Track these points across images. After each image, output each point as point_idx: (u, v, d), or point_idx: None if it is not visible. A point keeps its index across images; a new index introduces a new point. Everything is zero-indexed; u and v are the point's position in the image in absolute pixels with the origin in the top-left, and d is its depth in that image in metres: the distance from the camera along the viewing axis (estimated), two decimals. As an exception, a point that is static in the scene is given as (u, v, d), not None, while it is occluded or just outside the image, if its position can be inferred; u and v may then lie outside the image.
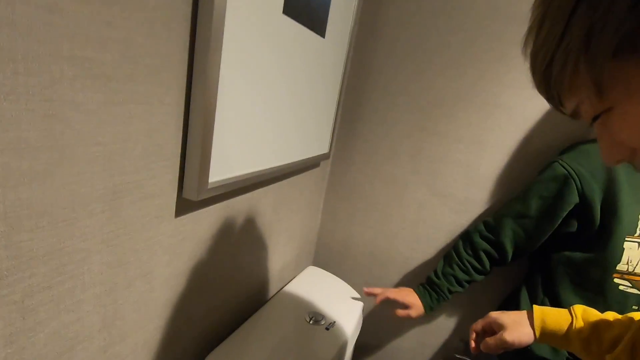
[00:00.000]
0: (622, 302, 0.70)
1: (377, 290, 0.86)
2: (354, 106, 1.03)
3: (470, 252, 0.84)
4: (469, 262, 0.84)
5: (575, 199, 0.71)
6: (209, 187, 0.52)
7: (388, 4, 0.94)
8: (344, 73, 0.92)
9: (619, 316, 0.53)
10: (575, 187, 0.71)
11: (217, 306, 0.69)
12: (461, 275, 0.84)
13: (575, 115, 0.31)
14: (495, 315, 0.61)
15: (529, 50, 0.30)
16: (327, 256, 1.16)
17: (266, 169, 0.66)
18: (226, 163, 0.55)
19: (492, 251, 0.82)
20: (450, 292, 0.86)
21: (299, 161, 0.80)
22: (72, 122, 0.34)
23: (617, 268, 0.69)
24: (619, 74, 0.25)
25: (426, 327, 1.05)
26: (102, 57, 0.35)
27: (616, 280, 0.69)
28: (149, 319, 0.52)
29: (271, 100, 0.62)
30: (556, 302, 0.76)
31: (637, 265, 0.68)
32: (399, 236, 1.05)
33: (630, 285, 0.69)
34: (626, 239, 0.68)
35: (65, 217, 0.36)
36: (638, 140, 0.28)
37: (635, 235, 0.67)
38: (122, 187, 0.41)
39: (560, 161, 0.74)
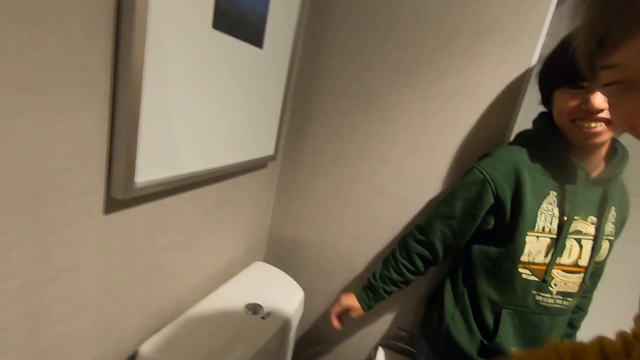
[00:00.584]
0: (525, 288, 0.79)
1: (333, 315, 0.97)
2: (301, 109, 1.09)
3: (405, 255, 0.92)
4: (403, 265, 0.91)
5: (491, 200, 0.80)
6: (137, 186, 0.56)
7: (332, 10, 1.00)
8: (289, 78, 0.97)
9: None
10: (490, 190, 0.79)
11: (154, 299, 0.73)
12: (396, 277, 0.92)
13: (611, 67, 0.28)
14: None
15: None
16: (278, 253, 1.21)
17: (200, 170, 0.71)
18: (156, 164, 0.59)
19: (426, 252, 0.89)
20: (386, 292, 0.93)
21: (239, 163, 0.85)
22: (-13, 128, 0.38)
23: (521, 259, 0.78)
24: None
25: (367, 318, 1.12)
26: (20, 71, 0.39)
27: (520, 270, 0.78)
28: (78, 309, 0.56)
29: (202, 108, 0.67)
30: (474, 291, 0.85)
31: (535, 256, 0.77)
32: (344, 233, 1.11)
33: (530, 273, 0.78)
34: (527, 233, 0.77)
35: (-17, 213, 0.40)
36: None
37: (534, 230, 0.77)
38: (44, 186, 0.45)
39: (478, 167, 0.82)
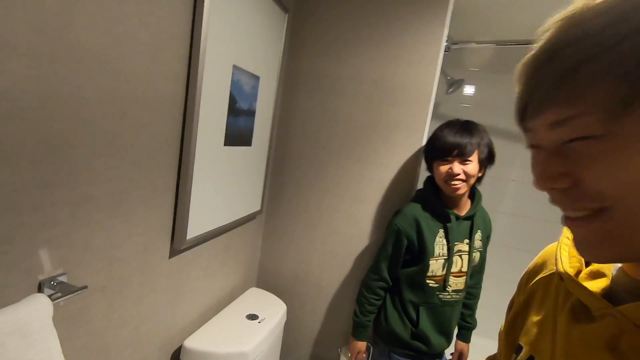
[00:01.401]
0: (431, 293, 1.24)
1: None
2: (278, 175, 1.56)
3: (370, 292, 1.32)
4: (372, 298, 1.32)
5: (405, 242, 1.26)
6: (187, 240, 1.00)
7: (298, 106, 1.50)
8: (268, 158, 1.45)
9: None
10: (404, 236, 1.26)
11: (189, 311, 1.14)
12: (369, 308, 1.32)
13: (554, 125, 0.31)
14: None
15: (547, 40, 0.31)
16: (266, 279, 1.64)
17: (216, 227, 1.16)
18: (195, 228, 1.04)
19: (382, 284, 1.31)
20: (368, 321, 1.33)
21: (239, 218, 1.30)
22: (95, 223, 0.82)
23: (428, 274, 1.24)
24: None
25: (334, 325, 1.54)
26: (142, 189, 0.84)
27: (427, 281, 1.24)
28: (154, 314, 0.97)
29: (219, 188, 1.13)
30: (401, 297, 1.29)
31: (436, 271, 1.23)
32: (312, 261, 1.55)
33: (434, 283, 1.24)
34: (430, 259, 1.23)
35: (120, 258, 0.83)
36: (612, 179, 0.29)
37: (434, 256, 1.23)
38: (147, 245, 0.89)
39: (394, 222, 1.29)
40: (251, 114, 1.25)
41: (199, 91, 0.92)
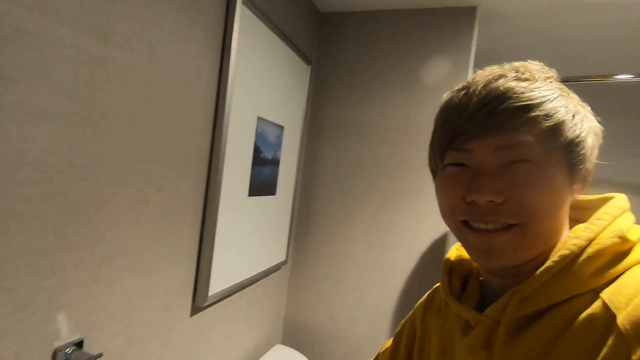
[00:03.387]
0: None
1: None
2: (303, 225, 1.52)
3: None
4: None
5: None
6: (209, 296, 0.96)
7: (323, 154, 1.49)
8: (293, 207, 1.43)
9: None
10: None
11: (211, 374, 1.07)
12: None
13: (499, 148, 0.39)
14: None
15: (512, 81, 0.40)
16: (292, 336, 1.54)
17: (239, 281, 1.11)
18: (217, 285, 1.00)
19: None
20: None
21: (262, 271, 1.25)
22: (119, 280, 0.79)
23: None
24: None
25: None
26: (166, 248, 0.82)
27: None
28: (174, 379, 0.91)
29: (243, 241, 1.09)
30: None
31: None
32: (340, 315, 1.45)
33: None
34: None
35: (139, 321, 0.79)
36: (538, 200, 0.38)
37: None
38: (169, 303, 0.85)
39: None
40: (276, 163, 1.25)
41: (223, 144, 0.93)
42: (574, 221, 0.44)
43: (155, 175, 0.77)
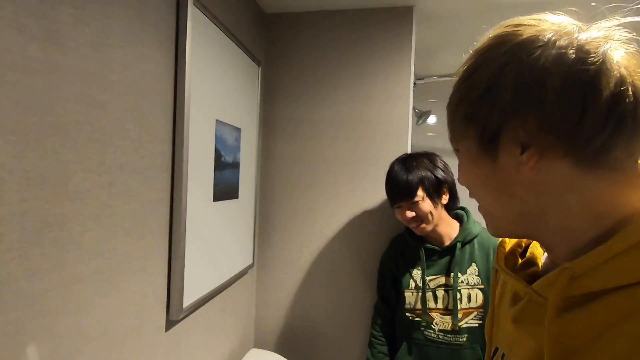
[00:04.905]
0: (413, 327, 1.19)
1: None
2: (266, 227, 1.52)
3: (377, 327, 1.30)
4: (380, 335, 1.29)
5: (388, 274, 1.29)
6: (184, 309, 0.92)
7: (279, 153, 1.50)
8: (255, 212, 1.42)
9: None
10: (387, 268, 1.29)
11: (190, 389, 1.03)
12: (380, 349, 1.28)
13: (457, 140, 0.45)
14: None
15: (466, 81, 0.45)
16: (265, 339, 1.53)
17: (209, 292, 1.08)
18: (188, 298, 0.96)
19: (387, 313, 1.30)
20: (384, 354, 1.27)
21: (232, 277, 1.23)
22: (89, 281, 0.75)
23: (405, 307, 1.20)
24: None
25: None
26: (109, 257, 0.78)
27: (407, 314, 1.20)
28: (154, 399, 0.87)
29: (211, 251, 1.07)
30: (393, 329, 1.28)
31: (414, 304, 1.19)
32: (307, 313, 1.48)
33: (415, 316, 1.19)
34: (405, 291, 1.21)
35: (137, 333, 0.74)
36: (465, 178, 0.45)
37: (409, 288, 1.21)
38: (143, 321, 0.81)
39: (383, 255, 1.31)
40: (236, 166, 1.23)
41: (185, 149, 0.90)
42: None
43: (119, 187, 0.73)
